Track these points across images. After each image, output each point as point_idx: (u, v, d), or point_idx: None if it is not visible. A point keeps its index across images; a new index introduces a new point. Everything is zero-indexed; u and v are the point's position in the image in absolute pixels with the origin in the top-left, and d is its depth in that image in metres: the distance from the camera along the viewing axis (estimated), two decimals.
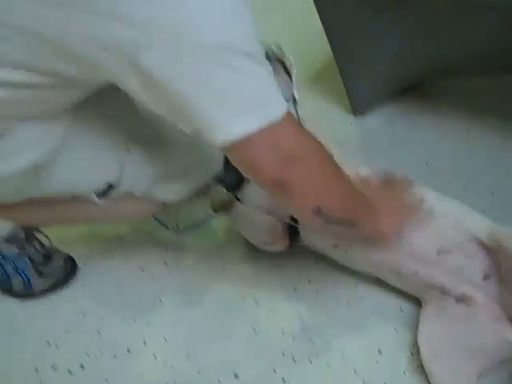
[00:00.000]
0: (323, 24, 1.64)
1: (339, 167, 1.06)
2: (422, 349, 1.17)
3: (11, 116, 1.03)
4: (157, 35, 0.84)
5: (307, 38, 2.01)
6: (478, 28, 1.56)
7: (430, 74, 1.78)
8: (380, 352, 1.23)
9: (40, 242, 1.40)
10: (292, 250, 1.35)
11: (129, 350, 1.28)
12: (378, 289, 1.33)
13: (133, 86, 0.90)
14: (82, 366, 1.26)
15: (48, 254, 1.41)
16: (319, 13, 1.61)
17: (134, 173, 1.19)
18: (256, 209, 1.33)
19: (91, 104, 1.11)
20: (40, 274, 1.40)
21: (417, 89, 1.85)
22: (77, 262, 1.46)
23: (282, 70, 1.40)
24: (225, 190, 1.38)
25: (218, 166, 1.32)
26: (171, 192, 1.25)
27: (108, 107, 1.15)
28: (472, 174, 1.60)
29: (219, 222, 1.51)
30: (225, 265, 1.44)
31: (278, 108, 0.91)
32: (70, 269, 1.44)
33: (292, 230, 1.32)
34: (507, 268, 1.16)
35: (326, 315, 1.31)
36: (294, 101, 1.37)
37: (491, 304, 1.17)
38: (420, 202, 1.26)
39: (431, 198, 1.29)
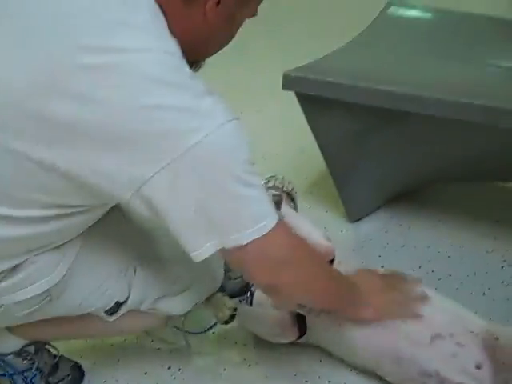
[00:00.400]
0: (316, 138, 1.76)
1: (327, 265, 1.22)
2: None
3: (29, 249, 1.11)
4: (159, 171, 0.94)
5: (303, 148, 2.14)
6: (464, 141, 1.68)
7: (423, 182, 1.90)
8: None
9: (49, 352, 1.45)
10: (302, 341, 1.42)
11: None
12: None
13: (138, 211, 1.00)
14: None
15: (56, 364, 1.46)
16: (311, 128, 1.74)
17: (141, 291, 1.28)
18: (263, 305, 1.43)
19: (98, 228, 1.20)
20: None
21: (410, 194, 1.95)
22: (83, 368, 1.50)
23: (288, 200, 1.58)
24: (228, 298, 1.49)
25: (220, 278, 1.42)
26: (175, 306, 1.33)
27: (113, 230, 1.25)
28: (464, 276, 1.67)
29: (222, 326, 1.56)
30: (227, 369, 1.48)
31: (269, 221, 1.02)
32: (78, 376, 1.49)
33: (301, 320, 1.38)
34: (504, 361, 1.20)
35: None
36: None
37: None
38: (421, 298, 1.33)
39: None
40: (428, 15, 1.97)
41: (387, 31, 1.93)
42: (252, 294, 1.49)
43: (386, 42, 1.85)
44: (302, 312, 1.30)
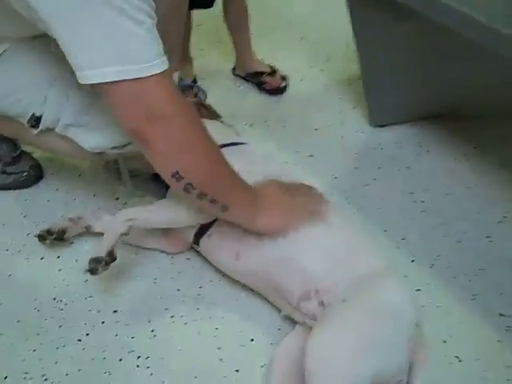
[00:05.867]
0: (352, 25, 1.61)
1: (214, 146, 1.09)
2: None
3: None
4: None
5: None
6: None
7: (451, 106, 1.72)
8: None
9: (13, 145, 1.50)
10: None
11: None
12: None
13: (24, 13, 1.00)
14: None
15: (17, 157, 1.51)
16: (350, 13, 1.59)
17: (55, 109, 1.24)
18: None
19: (27, 41, 1.20)
20: (3, 171, 1.51)
21: (448, 120, 1.78)
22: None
23: None
24: None
25: None
26: (84, 139, 1.27)
27: (40, 49, 1.21)
28: (451, 219, 1.53)
29: None
30: None
31: (150, 66, 0.96)
32: (35, 176, 1.54)
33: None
34: None
35: None
36: None
37: None
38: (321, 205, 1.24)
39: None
40: None
41: None
42: None
43: None
44: (179, 193, 1.12)
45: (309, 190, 1.29)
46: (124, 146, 1.25)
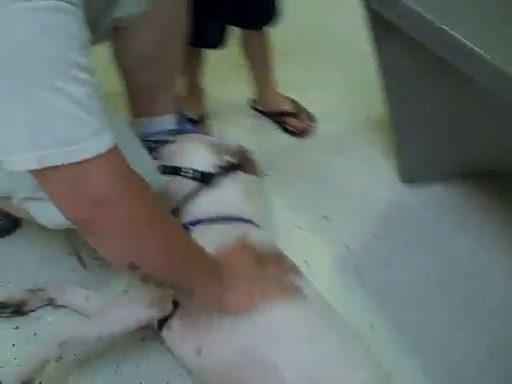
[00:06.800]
0: (383, 82, 1.40)
1: (170, 223, 0.96)
2: None
3: None
4: None
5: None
6: None
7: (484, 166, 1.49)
8: None
9: None
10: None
11: None
12: None
13: None
14: None
15: None
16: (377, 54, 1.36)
17: (5, 178, 1.04)
18: None
19: None
20: None
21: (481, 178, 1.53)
22: None
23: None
24: None
25: None
26: (42, 215, 1.10)
27: None
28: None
29: None
30: None
31: (83, 148, 0.79)
32: (9, 224, 1.38)
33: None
34: None
35: None
36: None
37: None
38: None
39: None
40: None
41: None
42: None
43: None
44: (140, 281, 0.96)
45: (280, 258, 1.10)
46: None
